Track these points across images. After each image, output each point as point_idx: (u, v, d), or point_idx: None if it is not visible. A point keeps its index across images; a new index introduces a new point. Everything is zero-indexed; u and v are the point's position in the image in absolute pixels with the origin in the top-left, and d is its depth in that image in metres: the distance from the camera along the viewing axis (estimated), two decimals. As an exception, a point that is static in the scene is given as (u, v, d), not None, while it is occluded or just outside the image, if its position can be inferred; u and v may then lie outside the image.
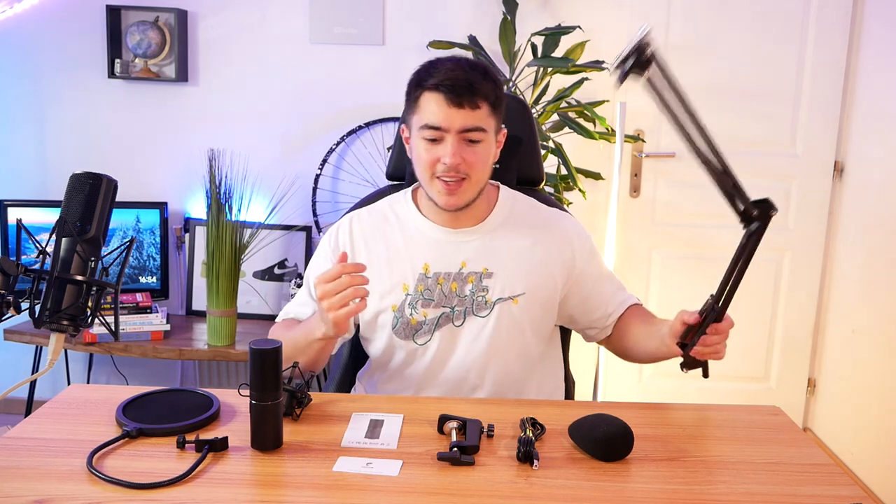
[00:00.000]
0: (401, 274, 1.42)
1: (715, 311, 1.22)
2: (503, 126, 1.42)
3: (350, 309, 1.21)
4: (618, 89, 2.51)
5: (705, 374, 1.31)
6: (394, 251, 1.44)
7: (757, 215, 1.13)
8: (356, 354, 1.62)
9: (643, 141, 2.81)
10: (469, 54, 2.58)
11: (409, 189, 1.51)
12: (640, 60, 1.09)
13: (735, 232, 1.16)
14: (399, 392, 1.46)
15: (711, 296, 1.22)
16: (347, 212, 1.55)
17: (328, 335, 1.26)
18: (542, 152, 2.49)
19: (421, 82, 1.34)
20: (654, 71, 1.10)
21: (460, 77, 1.30)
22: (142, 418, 1.15)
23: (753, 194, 1.13)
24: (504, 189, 1.51)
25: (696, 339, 1.24)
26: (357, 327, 1.51)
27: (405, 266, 1.42)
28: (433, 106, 1.32)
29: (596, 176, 2.62)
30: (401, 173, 1.67)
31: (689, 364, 1.29)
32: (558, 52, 2.55)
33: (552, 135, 2.52)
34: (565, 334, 1.64)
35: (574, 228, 1.50)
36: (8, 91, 2.85)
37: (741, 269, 1.18)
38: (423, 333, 1.41)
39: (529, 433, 1.11)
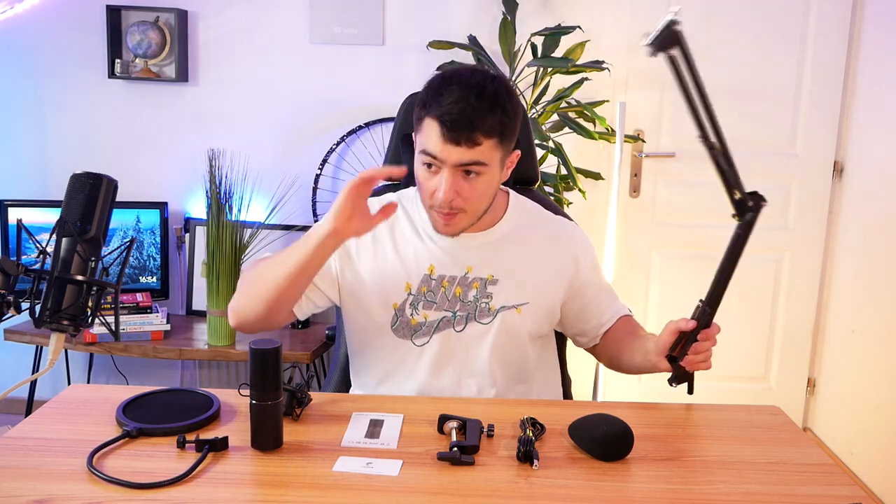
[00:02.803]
0: (405, 273, 1.40)
1: (707, 315, 1.21)
2: (516, 147, 1.34)
3: (375, 218, 1.22)
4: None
5: (690, 391, 1.30)
6: (401, 248, 1.42)
7: (752, 206, 1.16)
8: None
9: (643, 141, 2.81)
10: (469, 54, 2.58)
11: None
12: (667, 36, 1.12)
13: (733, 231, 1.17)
14: (394, 394, 1.44)
15: (701, 300, 1.22)
16: None
17: (336, 229, 1.21)
18: (543, 152, 2.50)
19: (426, 104, 1.26)
20: (676, 50, 1.13)
21: (464, 111, 1.21)
22: (142, 418, 1.15)
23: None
24: (514, 195, 1.48)
25: (688, 348, 1.23)
26: (355, 331, 1.49)
27: (410, 265, 1.40)
28: (433, 135, 1.25)
29: (596, 176, 2.62)
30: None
31: (678, 377, 1.28)
32: (558, 52, 2.55)
33: (552, 135, 2.52)
34: (561, 336, 1.63)
35: (580, 240, 1.48)
36: (8, 91, 2.86)
37: (733, 265, 1.19)
38: (422, 335, 1.40)
39: (529, 433, 1.11)
